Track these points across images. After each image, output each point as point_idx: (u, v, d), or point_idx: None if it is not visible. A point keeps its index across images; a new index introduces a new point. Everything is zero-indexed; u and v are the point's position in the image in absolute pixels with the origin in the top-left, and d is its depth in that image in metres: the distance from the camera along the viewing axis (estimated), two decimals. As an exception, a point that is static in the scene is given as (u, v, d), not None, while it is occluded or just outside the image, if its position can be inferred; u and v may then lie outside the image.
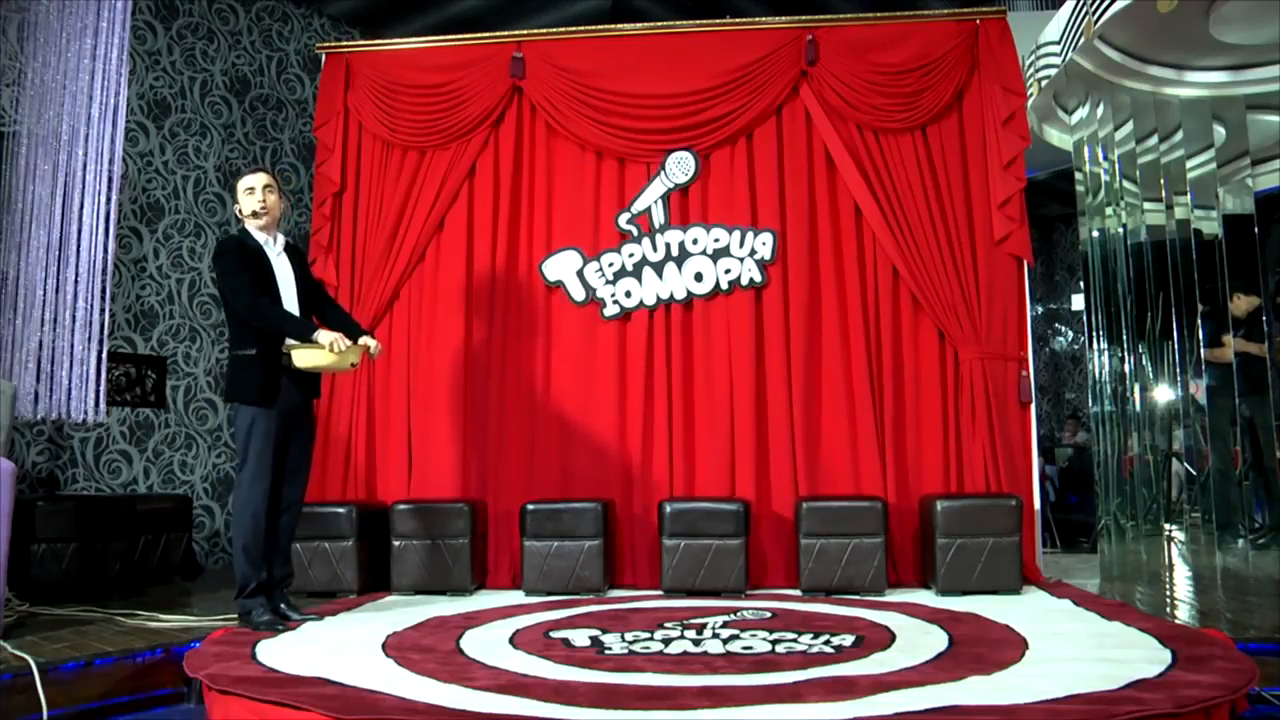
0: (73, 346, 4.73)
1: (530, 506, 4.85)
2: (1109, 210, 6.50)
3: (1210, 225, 6.19)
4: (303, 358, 3.96)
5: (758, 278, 5.26)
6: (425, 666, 3.05)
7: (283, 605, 3.98)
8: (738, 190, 5.37)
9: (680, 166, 5.38)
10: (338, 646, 3.42)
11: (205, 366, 6.39)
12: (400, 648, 3.37)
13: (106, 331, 4.90)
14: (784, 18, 5.44)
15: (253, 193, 3.97)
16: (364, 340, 4.11)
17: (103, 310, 4.85)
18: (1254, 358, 6.13)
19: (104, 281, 4.84)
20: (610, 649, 3.33)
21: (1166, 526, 6.23)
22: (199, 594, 4.90)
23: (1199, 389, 6.13)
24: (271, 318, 3.91)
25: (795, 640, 3.43)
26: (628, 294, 5.33)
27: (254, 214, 3.98)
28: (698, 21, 5.62)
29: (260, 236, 4.02)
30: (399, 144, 5.53)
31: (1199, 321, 6.09)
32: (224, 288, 3.96)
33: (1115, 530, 6.30)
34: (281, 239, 4.12)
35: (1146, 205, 6.36)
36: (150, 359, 6.12)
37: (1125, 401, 6.45)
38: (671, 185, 5.38)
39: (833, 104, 5.26)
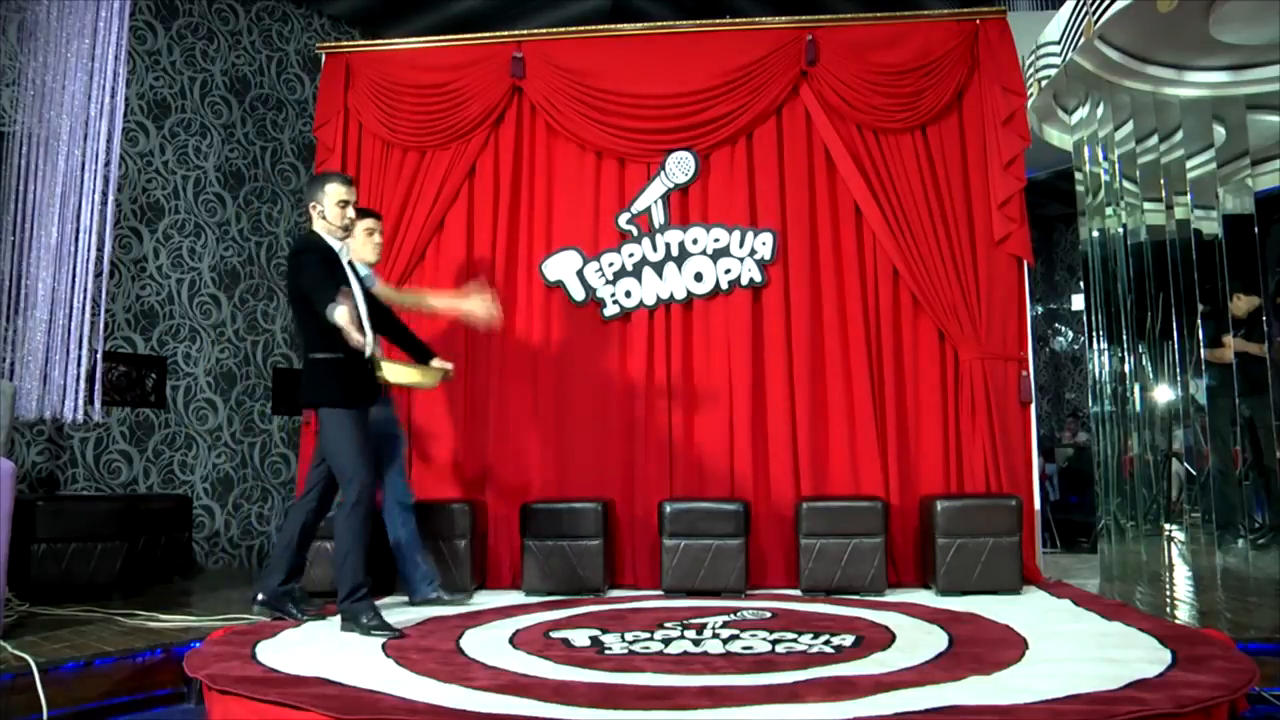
0: (71, 347, 4.73)
1: (530, 506, 4.85)
2: (1109, 210, 6.49)
3: (1210, 225, 6.18)
4: (394, 372, 4.01)
5: (758, 278, 5.26)
6: (425, 666, 3.05)
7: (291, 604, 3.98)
8: (738, 190, 5.37)
9: (680, 166, 5.38)
10: (338, 646, 3.42)
11: (205, 366, 6.39)
12: (400, 647, 3.37)
13: (105, 331, 4.90)
14: (784, 18, 5.43)
15: (347, 206, 3.93)
16: (440, 363, 4.21)
17: (95, 311, 4.85)
18: (1254, 358, 6.13)
19: (102, 281, 4.84)
20: (610, 649, 3.33)
21: (1166, 526, 6.23)
22: (199, 594, 4.90)
23: (1199, 389, 6.14)
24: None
25: (795, 640, 3.43)
26: (628, 294, 5.33)
27: (345, 228, 3.94)
28: (698, 21, 5.62)
29: (335, 244, 3.92)
30: (399, 144, 5.53)
31: (1199, 321, 6.09)
32: (305, 286, 3.75)
33: (1115, 530, 6.29)
34: (347, 250, 4.02)
35: (1146, 205, 6.36)
36: (150, 359, 6.12)
37: (1125, 401, 6.44)
38: (671, 185, 5.38)
39: (833, 104, 5.26)
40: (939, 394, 5.15)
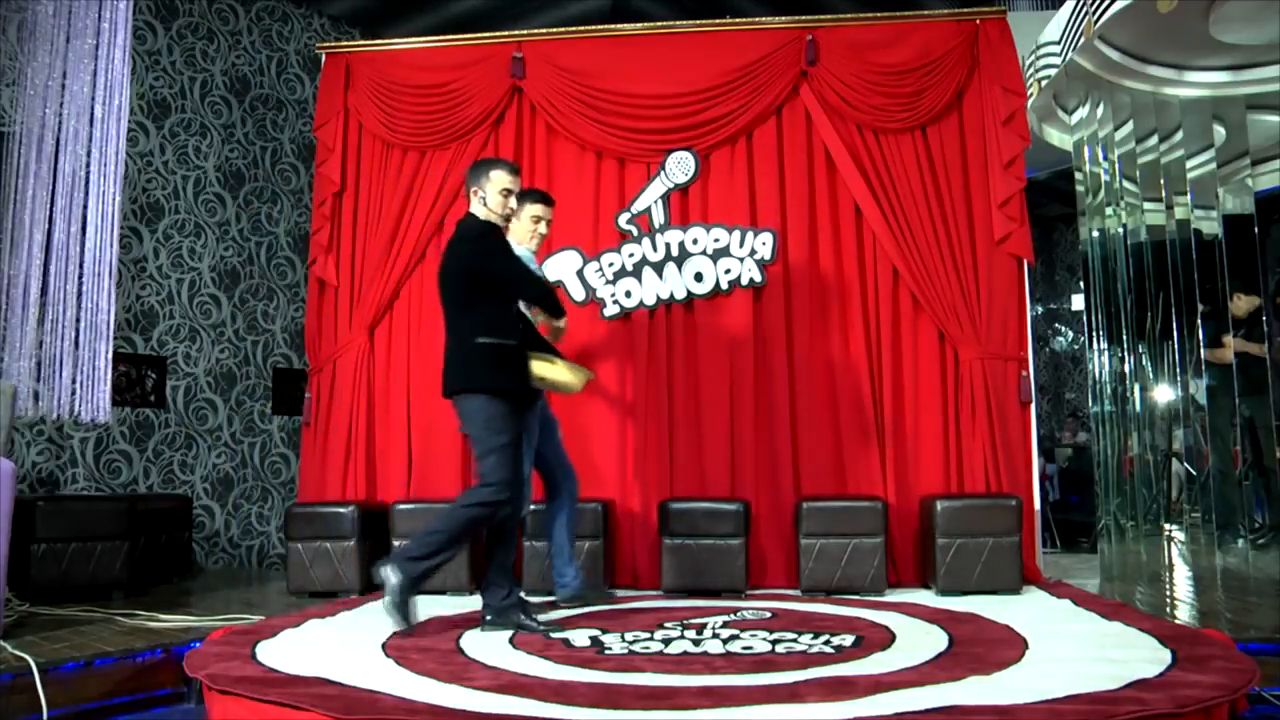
0: (76, 346, 4.72)
1: (530, 506, 4.83)
2: (1109, 210, 6.50)
3: (1210, 225, 6.19)
4: (540, 369, 3.86)
5: (758, 278, 5.26)
6: (425, 666, 3.05)
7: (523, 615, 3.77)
8: (738, 190, 5.37)
9: (680, 166, 5.38)
10: (338, 646, 3.42)
11: (205, 366, 6.39)
12: (400, 648, 3.37)
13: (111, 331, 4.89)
14: (784, 18, 5.44)
15: (510, 195, 3.79)
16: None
17: (109, 310, 4.84)
18: (1254, 358, 6.13)
19: (109, 282, 4.83)
20: (610, 649, 3.32)
21: (1166, 526, 6.23)
22: (199, 594, 4.91)
23: (1199, 389, 6.14)
24: (551, 293, 3.96)
25: (795, 640, 3.43)
26: (628, 294, 5.33)
27: (505, 218, 3.82)
28: (698, 21, 5.62)
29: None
30: (399, 144, 5.53)
31: (1199, 321, 6.09)
32: (501, 270, 3.69)
33: (1115, 530, 6.30)
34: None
35: (1146, 205, 6.36)
36: (150, 359, 6.12)
37: (1125, 401, 6.44)
38: (671, 185, 5.38)
39: (833, 104, 5.26)
40: (939, 394, 5.14)
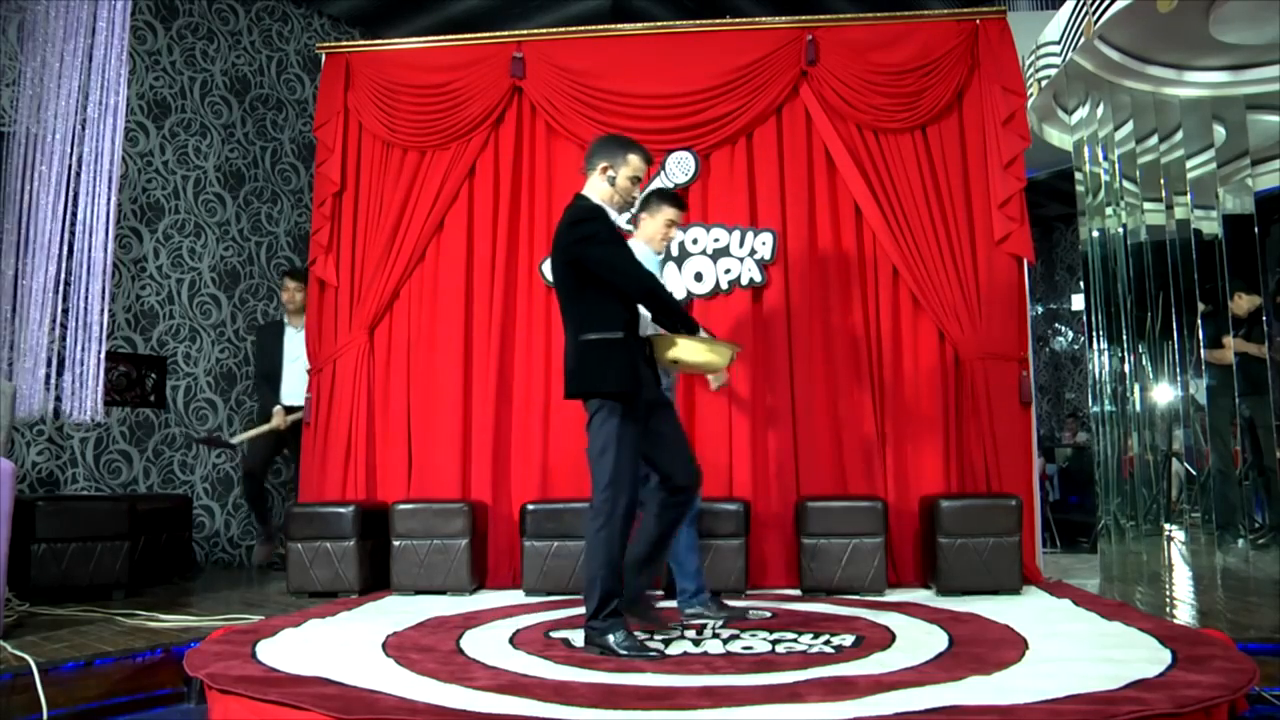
0: (70, 346, 4.72)
1: (530, 506, 4.84)
2: (1109, 210, 6.50)
3: (1210, 225, 6.20)
4: (687, 349, 3.50)
5: (758, 278, 5.26)
6: (425, 666, 3.05)
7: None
8: (737, 190, 5.37)
9: (680, 166, 5.38)
10: (338, 646, 3.42)
11: (205, 366, 6.39)
12: (400, 648, 3.37)
13: (106, 331, 4.89)
14: (784, 18, 5.44)
15: (638, 184, 3.57)
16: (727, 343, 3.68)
17: (102, 310, 4.84)
18: (1254, 358, 6.14)
19: (103, 281, 4.83)
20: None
21: (1166, 526, 6.23)
22: (199, 594, 4.90)
23: (1199, 389, 6.15)
24: (666, 297, 3.42)
25: (795, 640, 3.43)
26: (628, 294, 5.32)
27: (627, 205, 3.59)
28: (698, 21, 5.62)
29: (614, 215, 3.54)
30: (399, 144, 5.53)
31: (1199, 321, 6.10)
32: (599, 257, 3.35)
33: (1115, 530, 6.30)
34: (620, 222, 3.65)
35: (1146, 205, 6.37)
36: (150, 359, 6.12)
37: (1125, 401, 6.45)
38: (671, 185, 5.38)
39: (833, 104, 5.26)
40: (939, 394, 5.14)
